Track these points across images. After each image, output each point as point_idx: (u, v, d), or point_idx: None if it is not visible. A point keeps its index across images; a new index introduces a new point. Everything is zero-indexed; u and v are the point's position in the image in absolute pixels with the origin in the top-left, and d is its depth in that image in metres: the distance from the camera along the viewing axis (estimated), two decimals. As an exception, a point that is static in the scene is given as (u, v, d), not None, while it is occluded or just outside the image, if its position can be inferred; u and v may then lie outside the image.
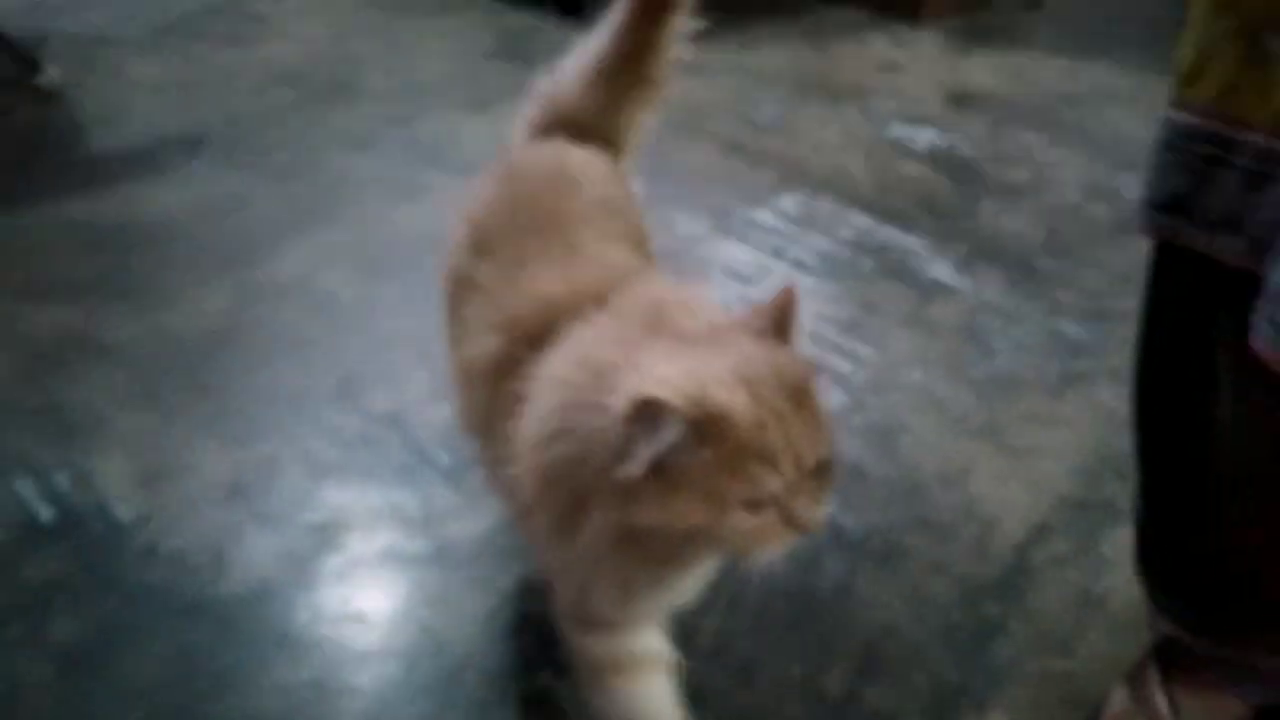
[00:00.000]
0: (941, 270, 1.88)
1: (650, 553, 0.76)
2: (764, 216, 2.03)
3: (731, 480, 0.69)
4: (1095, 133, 2.45)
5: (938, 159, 2.29)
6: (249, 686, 1.11)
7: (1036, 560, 1.30)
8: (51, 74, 2.46)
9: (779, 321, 0.75)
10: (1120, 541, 1.31)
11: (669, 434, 0.67)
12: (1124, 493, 1.39)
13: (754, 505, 0.70)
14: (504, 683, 1.13)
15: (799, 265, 1.89)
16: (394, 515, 1.33)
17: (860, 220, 2.03)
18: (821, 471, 0.73)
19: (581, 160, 1.06)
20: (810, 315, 1.73)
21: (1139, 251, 0.90)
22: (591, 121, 1.11)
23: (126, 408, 1.50)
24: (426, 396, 1.53)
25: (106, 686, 1.11)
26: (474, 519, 1.32)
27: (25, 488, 1.35)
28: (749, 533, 0.72)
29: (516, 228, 0.96)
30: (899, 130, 2.41)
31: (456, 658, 1.15)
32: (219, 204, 2.03)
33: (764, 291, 1.71)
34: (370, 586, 1.24)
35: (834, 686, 1.14)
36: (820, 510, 0.73)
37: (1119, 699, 1.08)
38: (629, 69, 1.10)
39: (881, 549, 1.31)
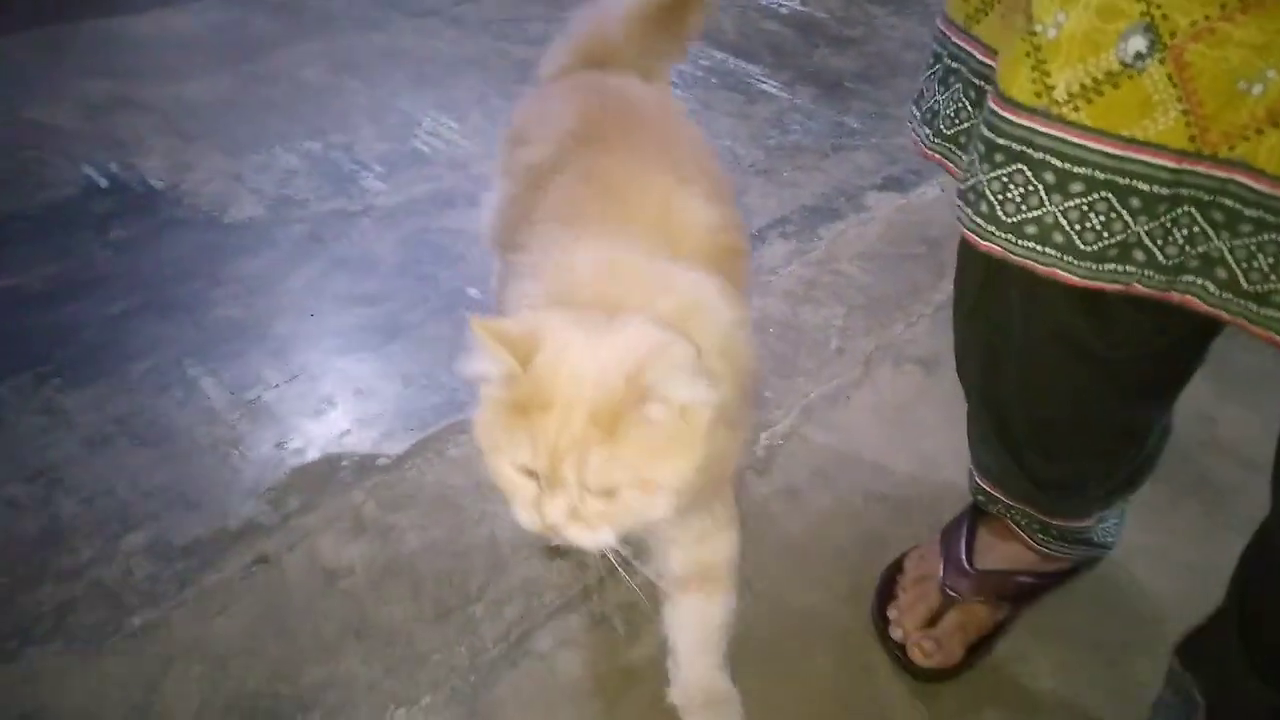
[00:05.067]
0: (769, 86, 2.49)
1: None
2: (646, 50, 2.64)
3: (507, 421, 0.74)
4: (938, 7, 3.03)
5: (794, 19, 2.89)
6: (231, 266, 1.75)
7: (770, 234, 1.92)
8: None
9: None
10: (834, 229, 1.93)
11: (485, 358, 0.74)
12: (848, 205, 2.02)
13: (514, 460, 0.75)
14: (400, 281, 1.76)
15: (664, 80, 2.50)
16: (340, 192, 1.96)
17: (718, 55, 2.64)
18: (601, 494, 0.73)
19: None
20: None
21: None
22: (627, 64, 1.16)
23: (158, 134, 2.13)
24: (373, 138, 2.16)
25: (146, 259, 1.75)
26: (395, 196, 1.95)
27: (89, 169, 1.98)
28: (508, 484, 0.77)
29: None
30: (768, 0, 3.01)
31: (370, 254, 1.79)
32: (226, 26, 2.65)
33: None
34: (320, 225, 1.87)
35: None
36: (557, 515, 0.74)
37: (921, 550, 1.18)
38: (671, 19, 1.18)
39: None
